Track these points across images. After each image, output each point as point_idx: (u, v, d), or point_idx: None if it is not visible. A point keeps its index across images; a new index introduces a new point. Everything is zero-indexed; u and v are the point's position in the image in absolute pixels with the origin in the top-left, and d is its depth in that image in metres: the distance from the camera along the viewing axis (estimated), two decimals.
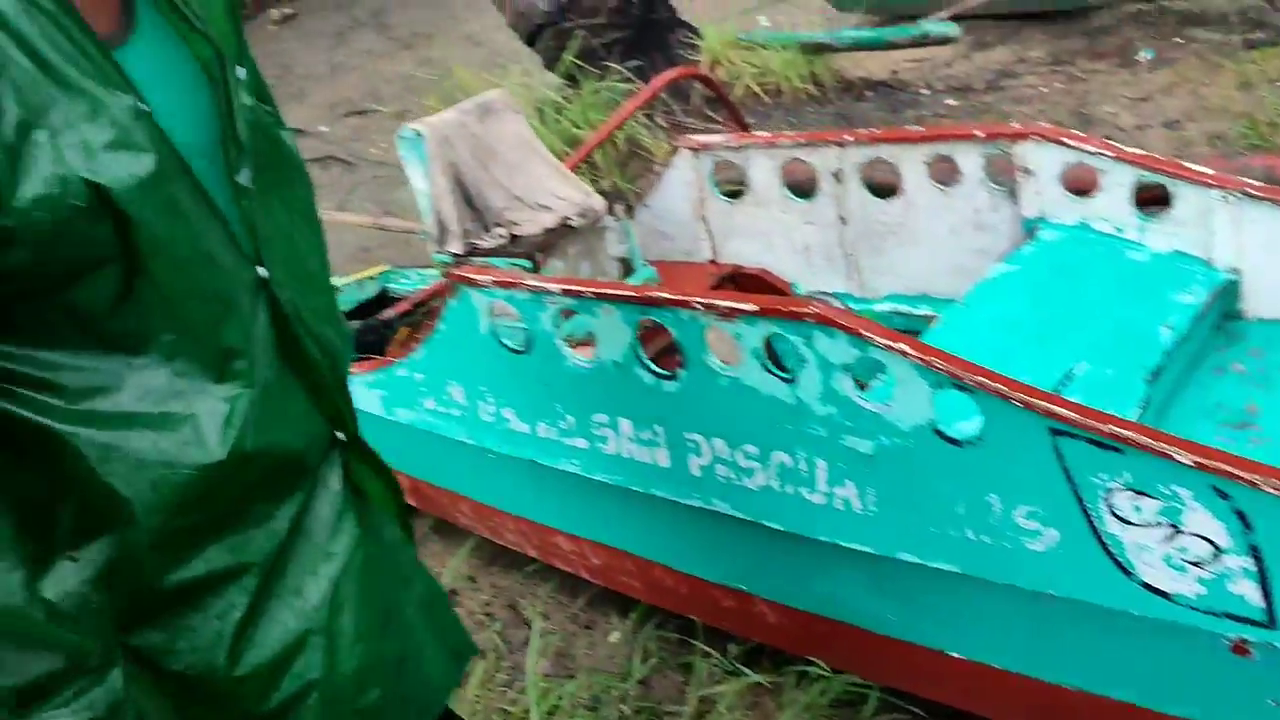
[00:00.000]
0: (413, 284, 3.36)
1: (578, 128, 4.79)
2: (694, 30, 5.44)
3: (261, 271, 1.05)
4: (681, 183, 2.76)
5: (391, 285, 3.39)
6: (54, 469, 0.94)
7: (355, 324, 2.97)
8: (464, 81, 5.30)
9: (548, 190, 2.58)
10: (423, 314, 3.10)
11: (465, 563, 3.00)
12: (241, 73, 1.08)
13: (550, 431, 2.28)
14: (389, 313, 3.00)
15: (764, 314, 1.75)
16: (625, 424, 2.11)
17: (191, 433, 0.97)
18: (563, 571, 2.73)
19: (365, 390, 2.73)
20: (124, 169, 0.89)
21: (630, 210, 2.70)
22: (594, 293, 1.99)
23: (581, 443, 2.23)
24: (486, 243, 2.54)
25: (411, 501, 3.06)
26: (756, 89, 5.10)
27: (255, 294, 1.04)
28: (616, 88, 4.93)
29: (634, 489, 2.18)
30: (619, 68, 5.04)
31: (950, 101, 4.95)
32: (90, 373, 0.93)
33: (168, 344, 0.96)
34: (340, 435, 1.16)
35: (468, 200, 2.56)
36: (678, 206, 2.78)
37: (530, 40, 5.44)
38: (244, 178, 1.05)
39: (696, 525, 2.14)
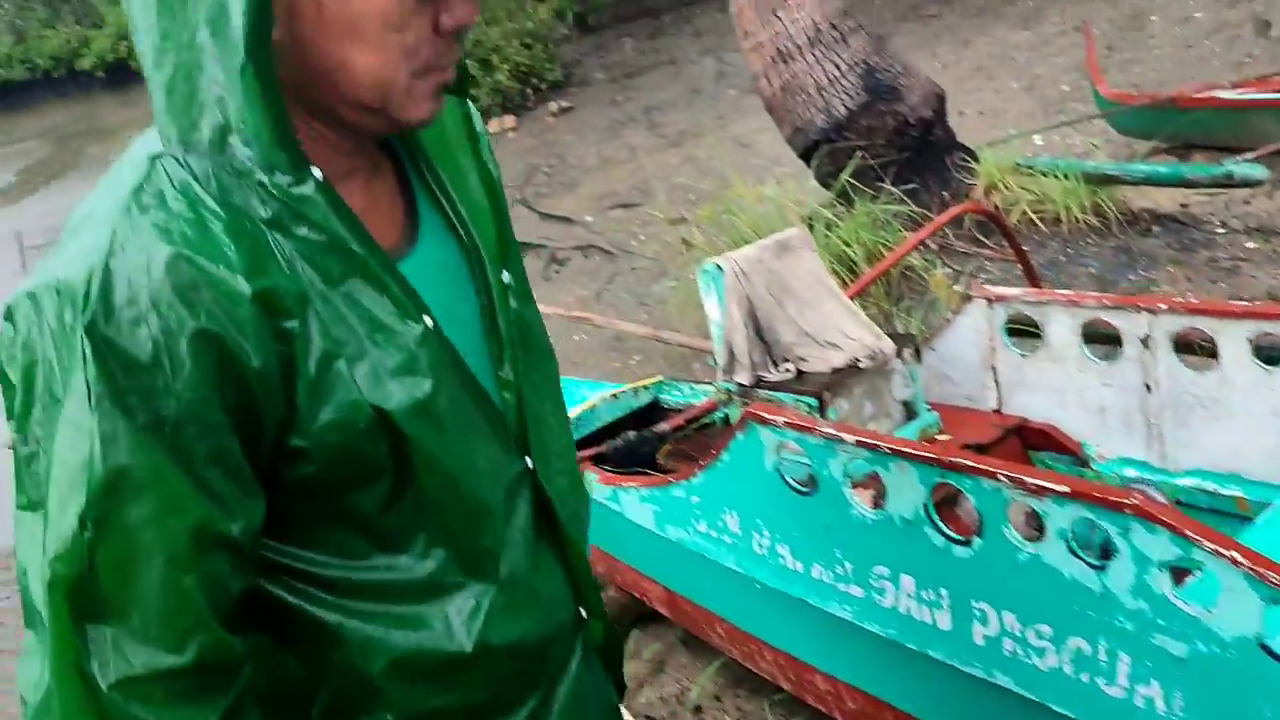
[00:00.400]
0: (684, 397, 3.45)
1: (847, 246, 4.82)
2: (971, 154, 5.39)
3: (528, 462, 1.10)
4: (971, 329, 2.73)
5: (664, 396, 3.50)
6: (317, 655, 1.00)
7: (631, 434, 3.07)
8: (739, 192, 5.44)
9: (838, 329, 2.62)
10: (694, 430, 3.18)
11: (712, 680, 3.02)
12: (507, 277, 1.12)
13: (825, 574, 2.28)
14: (664, 426, 3.09)
15: (1077, 497, 1.71)
16: (907, 580, 2.09)
17: (443, 627, 1.02)
18: (813, 708, 2.70)
19: (638, 503, 2.82)
20: (406, 393, 0.94)
21: (918, 354, 2.69)
22: (890, 449, 1.99)
23: (857, 591, 2.22)
24: (773, 376, 2.60)
25: (664, 611, 3.12)
26: (1033, 216, 4.98)
27: (518, 486, 1.08)
28: (890, 209, 4.94)
29: (908, 646, 2.14)
30: (893, 189, 5.05)
31: (1250, 244, 4.67)
32: (356, 569, 0.98)
33: (428, 544, 1.00)
34: (583, 612, 1.19)
35: (758, 333, 2.63)
36: (966, 353, 2.76)
37: (805, 155, 5.53)
38: (507, 371, 1.09)
39: (971, 692, 2.08)
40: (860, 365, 2.56)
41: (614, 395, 3.44)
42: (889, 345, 2.62)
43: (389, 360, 0.94)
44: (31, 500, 0.86)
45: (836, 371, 2.57)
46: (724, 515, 2.51)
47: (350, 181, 1.01)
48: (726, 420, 2.87)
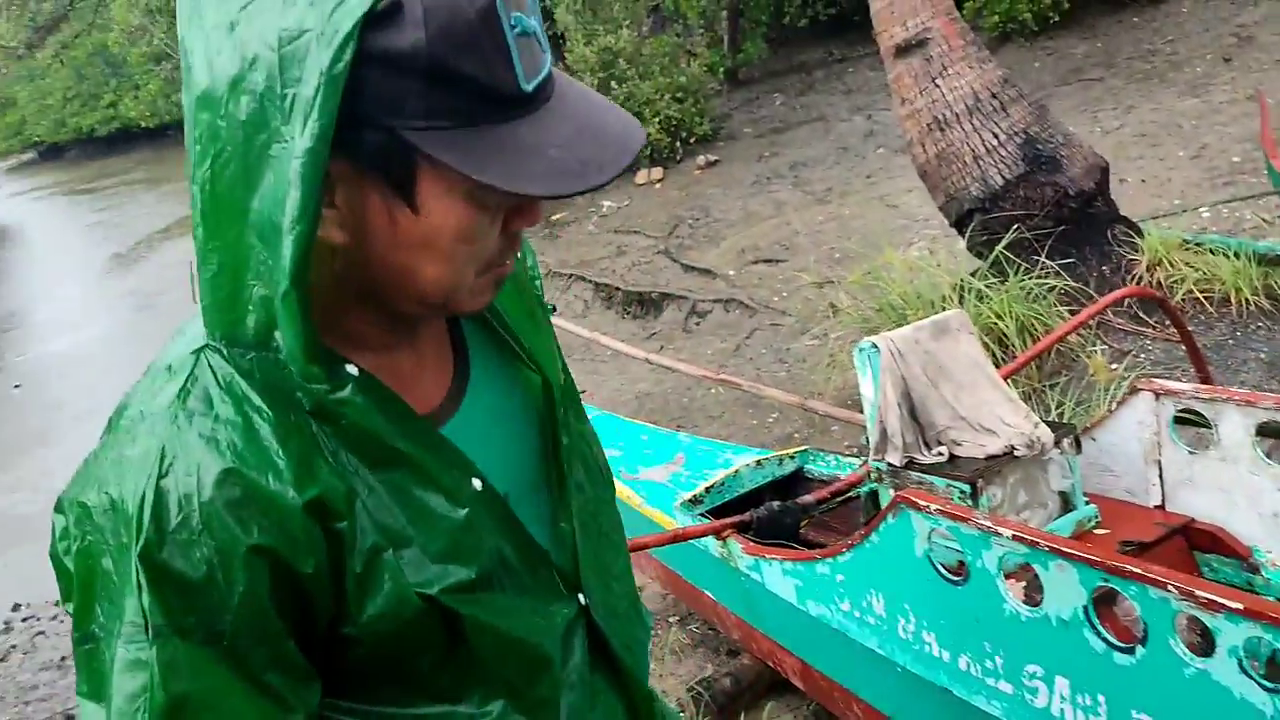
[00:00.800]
0: (830, 469, 3.44)
1: (999, 319, 4.73)
2: (1134, 228, 5.23)
3: (581, 599, 1.08)
4: (1135, 422, 2.65)
5: (809, 466, 3.50)
6: None
7: (775, 504, 3.07)
8: (888, 258, 5.40)
9: (995, 415, 2.58)
10: (838, 503, 3.17)
11: None
12: (562, 410, 1.10)
13: (973, 667, 2.24)
14: (808, 498, 3.09)
15: (1253, 615, 1.64)
16: (1062, 682, 2.04)
17: None
18: None
19: (781, 576, 2.82)
20: (452, 577, 0.94)
21: (1077, 444, 2.63)
22: (1051, 547, 1.95)
23: (1007, 687, 2.17)
24: (926, 458, 2.57)
25: (799, 683, 3.10)
26: (1200, 296, 4.80)
27: (574, 626, 1.07)
28: (1045, 283, 4.83)
29: None
30: (1049, 262, 4.94)
31: None
32: (415, 716, 0.98)
33: (485, 696, 0.99)
34: None
35: (912, 414, 2.61)
36: (1128, 446, 2.68)
37: (958, 223, 5.46)
38: (566, 509, 1.08)
39: None
40: (1016, 453, 2.52)
41: (758, 462, 3.45)
42: (1047, 434, 2.56)
43: (434, 545, 0.94)
44: (93, 690, 0.87)
45: (991, 458, 2.53)
46: (869, 596, 2.49)
47: (397, 349, 1.01)
48: (873, 496, 2.85)
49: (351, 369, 0.93)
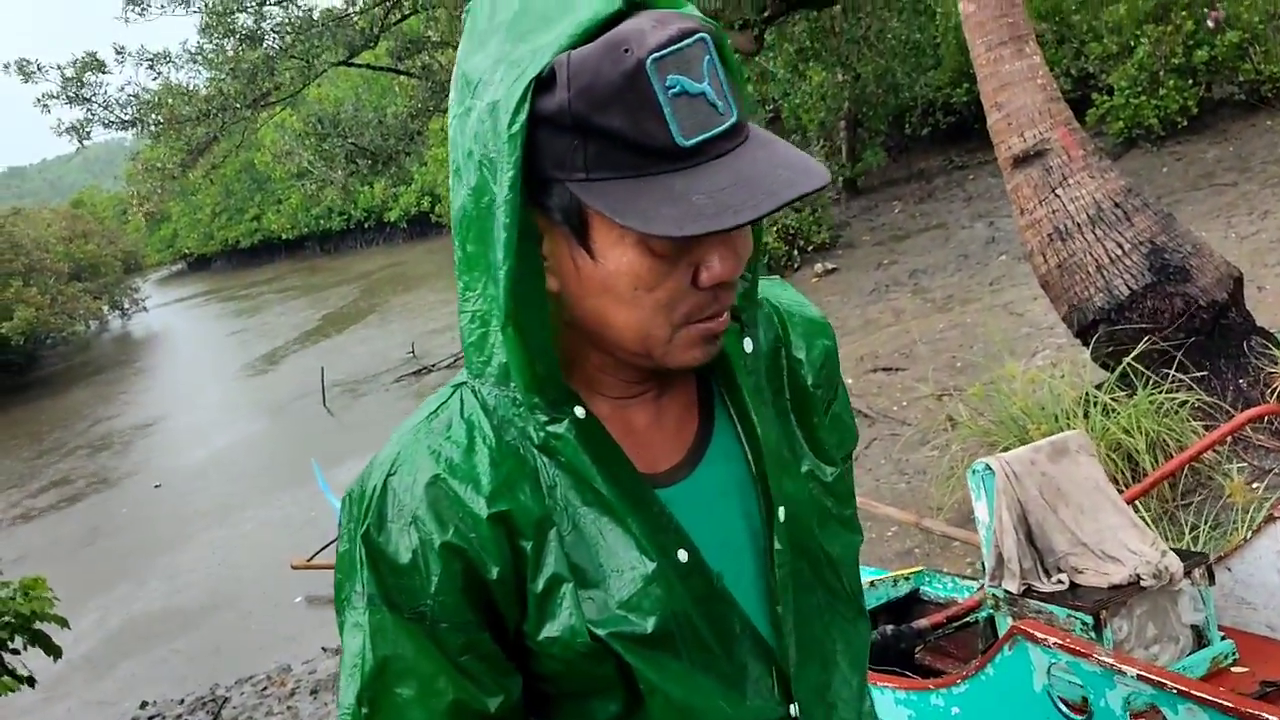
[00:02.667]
0: (947, 591, 3.32)
1: (1127, 434, 4.55)
2: (1271, 339, 5.00)
3: (792, 710, 1.07)
4: (1274, 551, 2.50)
5: (925, 588, 3.38)
6: None
7: (888, 629, 2.98)
8: (1010, 371, 5.27)
9: (1118, 541, 2.46)
10: (954, 628, 3.05)
11: None
12: (783, 513, 1.08)
13: None
14: (924, 623, 2.98)
15: None
16: None
17: None
18: None
19: (894, 705, 2.72)
20: (627, 627, 0.98)
21: (1210, 575, 2.49)
22: (1180, 689, 1.84)
23: None
24: (1045, 586, 2.47)
25: None
26: None
27: None
28: (1176, 397, 4.64)
29: None
30: (1180, 375, 4.75)
31: None
32: None
33: None
34: None
35: (1029, 538, 2.52)
36: (1268, 577, 2.52)
37: (1082, 334, 5.31)
38: (780, 609, 1.07)
39: None
40: (1143, 584, 2.39)
41: (872, 583, 3.36)
42: (1176, 563, 2.43)
43: (618, 593, 0.99)
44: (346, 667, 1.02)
45: (1115, 588, 2.41)
46: None
47: (636, 402, 1.06)
48: (991, 621, 2.74)
49: (579, 411, 0.99)
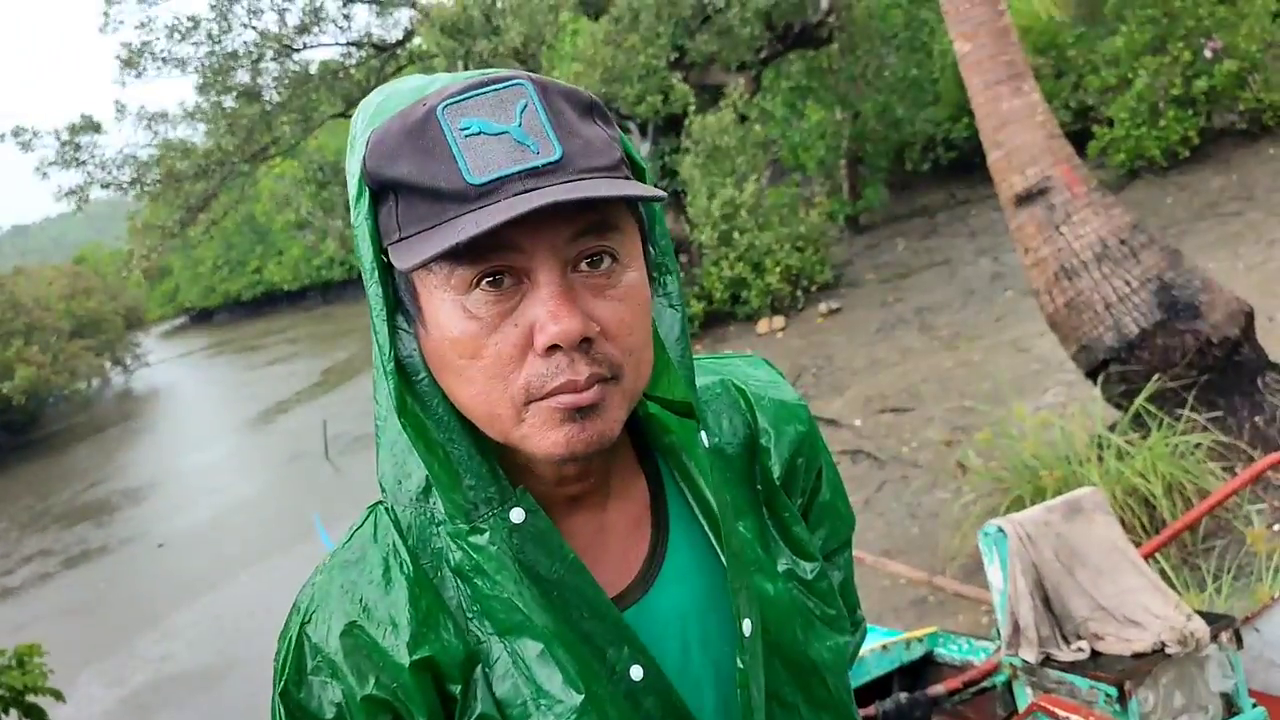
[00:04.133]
0: (962, 652, 3.18)
1: (1143, 478, 4.42)
2: None
3: None
4: None
5: (939, 650, 3.24)
6: None
7: (902, 696, 2.84)
8: (1019, 414, 5.15)
9: (1140, 605, 2.33)
10: (972, 694, 2.91)
11: None
12: (748, 626, 0.95)
13: None
14: (939, 689, 2.85)
15: None
16: None
17: None
18: None
19: None
20: None
21: (1238, 638, 2.35)
22: None
23: None
24: (1064, 655, 2.33)
25: None
26: None
27: None
28: (1191, 439, 4.51)
29: None
30: (1194, 415, 4.63)
31: None
32: None
33: None
34: None
35: (1046, 603, 2.39)
36: None
37: (1092, 373, 5.20)
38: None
39: None
40: (1168, 650, 2.26)
41: (884, 646, 3.22)
42: (1201, 627, 2.30)
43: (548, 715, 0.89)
44: None
45: (1139, 656, 2.27)
46: None
47: (577, 513, 0.95)
48: (1009, 686, 2.60)
49: (516, 514, 0.89)
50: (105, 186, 11.72)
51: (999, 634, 2.44)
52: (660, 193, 0.81)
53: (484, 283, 0.81)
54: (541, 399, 0.84)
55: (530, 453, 0.86)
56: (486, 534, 0.88)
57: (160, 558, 12.38)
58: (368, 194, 0.85)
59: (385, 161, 0.82)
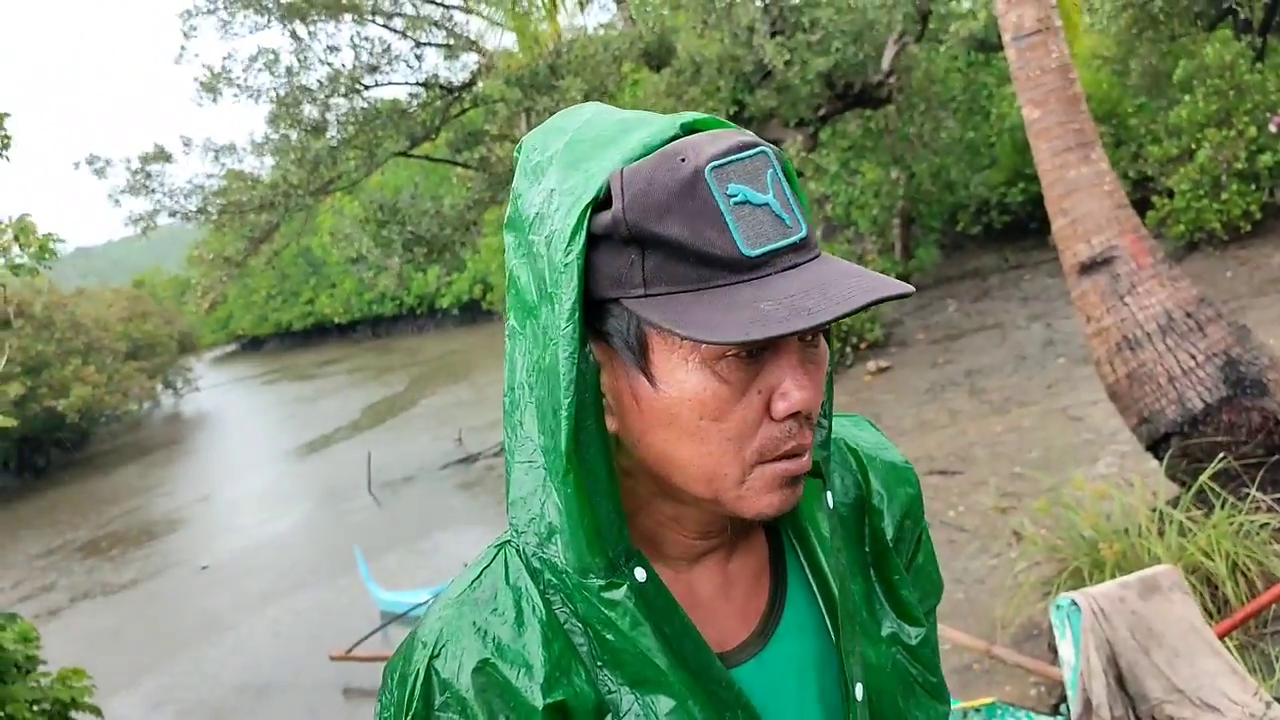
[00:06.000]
0: None
1: (1207, 557, 4.33)
2: None
3: None
4: None
5: None
6: None
7: None
8: (1077, 485, 5.08)
9: (1217, 689, 2.29)
10: None
11: None
12: (860, 691, 0.98)
13: None
14: None
15: None
16: None
17: None
18: None
19: None
20: None
21: None
22: None
23: None
24: None
25: None
26: None
27: None
28: (1256, 519, 4.42)
29: None
30: (1261, 495, 4.54)
31: None
32: None
33: None
34: None
35: (1119, 682, 2.35)
36: None
37: (1153, 447, 5.12)
38: None
39: None
40: None
41: None
42: None
43: None
44: None
45: None
46: None
47: (702, 565, 0.97)
48: None
49: (639, 573, 0.89)
50: (173, 215, 12.00)
51: (1067, 710, 2.40)
52: (911, 288, 0.83)
53: (742, 351, 0.83)
54: (769, 462, 0.87)
55: (737, 510, 0.88)
56: (622, 588, 0.88)
57: (200, 583, 12.47)
58: (584, 232, 0.83)
59: (653, 216, 0.81)
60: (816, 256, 0.84)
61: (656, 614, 0.89)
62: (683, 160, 0.81)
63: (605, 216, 0.82)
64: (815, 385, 0.86)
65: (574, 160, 0.87)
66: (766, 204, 0.82)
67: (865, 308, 0.79)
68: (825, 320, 0.77)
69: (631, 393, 0.86)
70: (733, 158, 0.82)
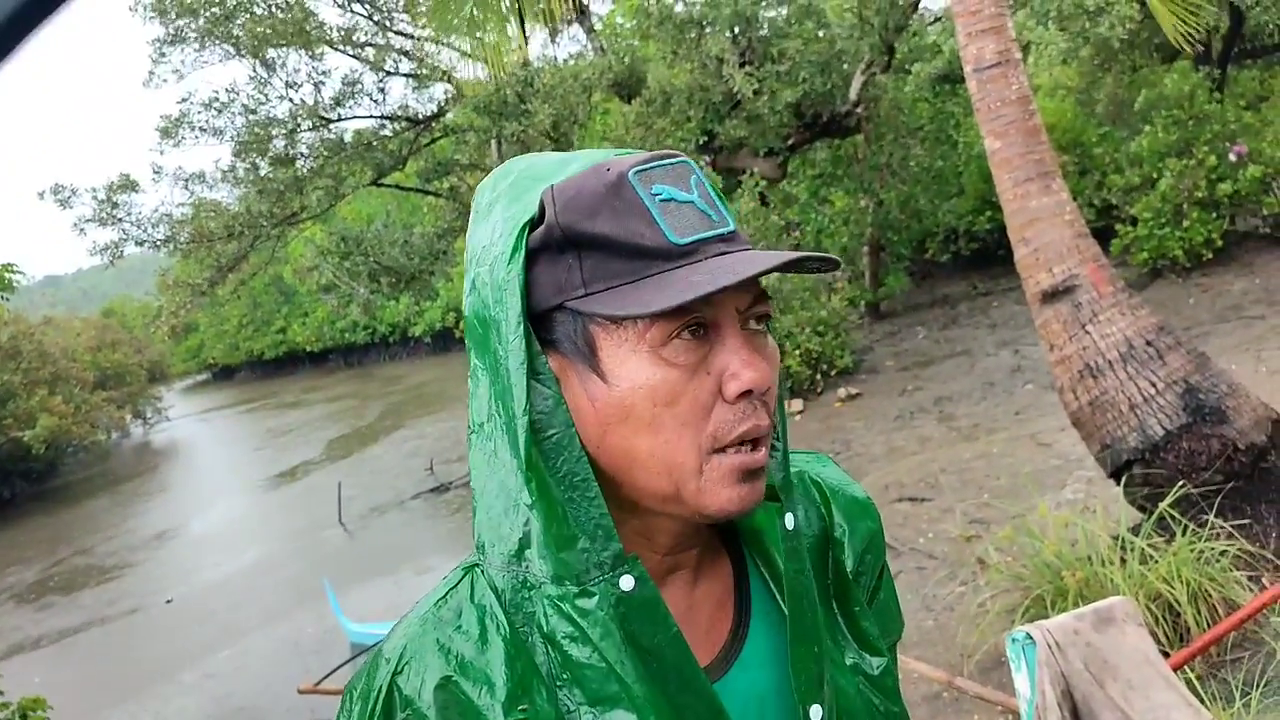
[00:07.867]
0: None
1: (1167, 584, 4.37)
2: None
3: None
4: None
5: None
6: None
7: None
8: (1041, 513, 5.12)
9: None
10: None
11: None
12: (818, 712, 0.97)
13: None
14: None
15: None
16: None
17: None
18: None
19: None
20: None
21: None
22: None
23: None
24: None
25: None
26: None
27: None
28: (1216, 546, 4.47)
29: None
30: (1221, 522, 4.59)
31: None
32: None
33: None
34: None
35: (1074, 715, 2.35)
36: None
37: (1116, 474, 5.17)
38: None
39: None
40: None
41: None
42: None
43: None
44: None
45: None
46: None
47: (669, 587, 0.97)
48: None
49: (625, 582, 0.88)
50: (140, 244, 11.93)
51: None
52: (838, 259, 0.87)
53: (685, 332, 0.86)
54: (724, 449, 0.88)
55: (699, 507, 0.89)
56: (595, 598, 0.88)
57: (167, 616, 12.31)
58: (523, 250, 0.87)
59: (583, 217, 0.86)
60: (747, 249, 0.89)
61: (638, 623, 0.89)
62: (608, 170, 0.87)
63: (541, 230, 0.87)
64: (764, 368, 0.87)
65: (517, 194, 0.92)
66: (691, 201, 0.88)
67: (793, 264, 0.83)
68: (751, 274, 0.81)
69: (587, 396, 0.88)
70: (655, 164, 0.88)
